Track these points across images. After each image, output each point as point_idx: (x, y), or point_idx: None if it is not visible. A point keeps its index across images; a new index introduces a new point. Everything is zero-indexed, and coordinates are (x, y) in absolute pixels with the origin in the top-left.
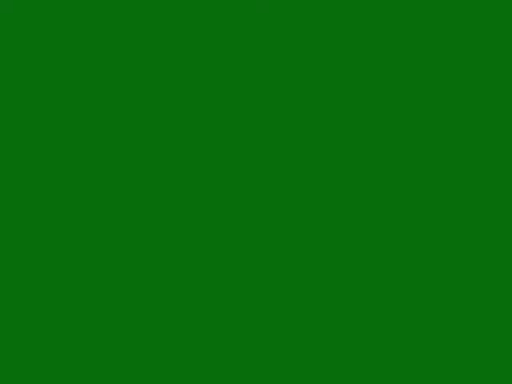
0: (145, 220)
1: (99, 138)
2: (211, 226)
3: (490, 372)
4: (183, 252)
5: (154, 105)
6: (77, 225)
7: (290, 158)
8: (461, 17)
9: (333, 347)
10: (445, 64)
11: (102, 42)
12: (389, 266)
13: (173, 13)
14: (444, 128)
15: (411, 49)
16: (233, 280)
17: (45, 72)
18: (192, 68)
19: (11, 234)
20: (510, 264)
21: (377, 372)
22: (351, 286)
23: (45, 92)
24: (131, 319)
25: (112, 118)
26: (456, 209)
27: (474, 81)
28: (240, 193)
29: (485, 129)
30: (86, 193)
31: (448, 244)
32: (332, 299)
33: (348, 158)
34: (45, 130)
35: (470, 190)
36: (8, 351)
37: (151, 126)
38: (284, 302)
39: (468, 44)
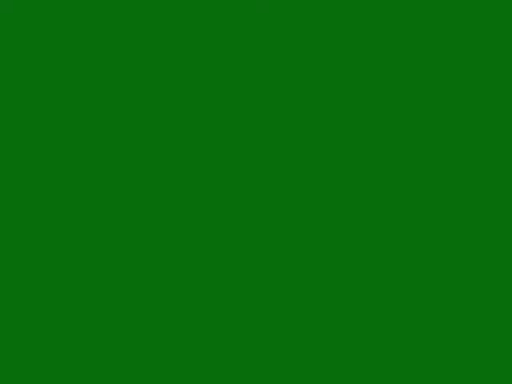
0: (145, 220)
1: (99, 137)
2: (211, 226)
3: (490, 372)
4: (183, 252)
5: (154, 105)
6: (77, 225)
7: (289, 158)
8: (461, 17)
9: (333, 347)
10: (445, 64)
11: (102, 42)
12: (389, 266)
13: (173, 12)
14: (444, 128)
15: (411, 49)
16: (233, 280)
17: (45, 72)
18: (192, 68)
19: (11, 234)
20: (510, 264)
21: (377, 372)
22: (351, 286)
23: (45, 92)
24: (131, 319)
25: (112, 118)
26: (456, 209)
27: (473, 81)
28: (240, 193)
29: (485, 129)
30: (86, 193)
31: (448, 244)
32: (332, 299)
33: (348, 158)
34: (45, 129)
35: (470, 190)
36: (8, 351)
37: (151, 126)
38: (284, 302)
39: (468, 44)
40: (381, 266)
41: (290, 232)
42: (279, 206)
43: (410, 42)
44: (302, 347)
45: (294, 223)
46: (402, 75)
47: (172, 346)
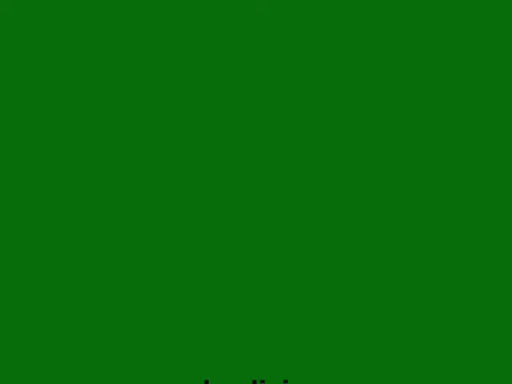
0: (144, 220)
1: (99, 138)
2: (210, 226)
3: (490, 372)
4: (183, 252)
5: (154, 105)
6: (76, 225)
7: (289, 159)
8: (461, 17)
9: (332, 348)
10: (445, 64)
11: (102, 43)
12: (389, 267)
13: (172, 12)
14: (444, 128)
15: (411, 49)
16: (233, 280)
17: (45, 72)
18: (192, 68)
19: (11, 234)
20: (510, 264)
21: (377, 372)
22: (351, 287)
23: (45, 92)
24: (131, 320)
25: (111, 118)
26: (456, 209)
27: (474, 81)
28: (239, 193)
29: (485, 129)
30: (86, 193)
31: (448, 244)
32: (332, 300)
33: (348, 158)
34: (45, 129)
35: (470, 191)
36: (8, 351)
37: (151, 126)
38: (284, 303)
39: (468, 44)
40: (381, 266)
41: (289, 232)
42: (279, 206)
43: (410, 42)
44: (302, 347)
45: (294, 223)
46: (402, 75)
47: (172, 346)
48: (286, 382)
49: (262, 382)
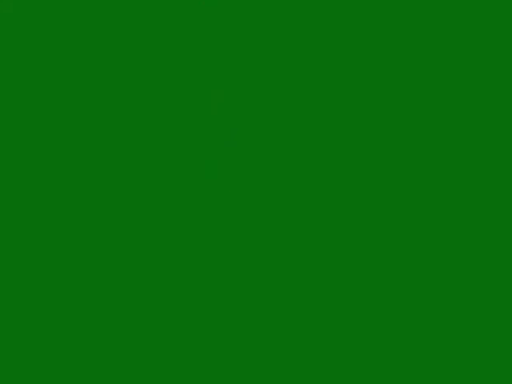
0: (144, 220)
1: (98, 138)
2: (210, 227)
3: (490, 372)
4: (182, 252)
5: (153, 105)
6: (75, 225)
7: (289, 159)
8: (461, 17)
9: (332, 347)
10: (444, 64)
11: (102, 43)
12: (388, 267)
13: (172, 12)
14: (444, 128)
15: (411, 49)
16: (232, 280)
17: (44, 72)
18: (192, 68)
19: (11, 234)
20: (510, 264)
21: (377, 372)
22: (351, 287)
23: (44, 92)
24: (131, 320)
25: (111, 119)
26: (456, 209)
27: (474, 81)
28: (239, 193)
29: (485, 129)
30: (85, 193)
31: (448, 244)
32: (332, 300)
33: (348, 158)
34: (44, 130)
35: (470, 191)
36: (8, 351)
37: (150, 126)
38: (284, 303)
39: (468, 44)
40: (381, 267)
41: (289, 232)
42: (280, 207)
43: (410, 42)
44: (302, 347)
45: (294, 224)
46: (402, 75)
47: (172, 346)
48: None
49: None
